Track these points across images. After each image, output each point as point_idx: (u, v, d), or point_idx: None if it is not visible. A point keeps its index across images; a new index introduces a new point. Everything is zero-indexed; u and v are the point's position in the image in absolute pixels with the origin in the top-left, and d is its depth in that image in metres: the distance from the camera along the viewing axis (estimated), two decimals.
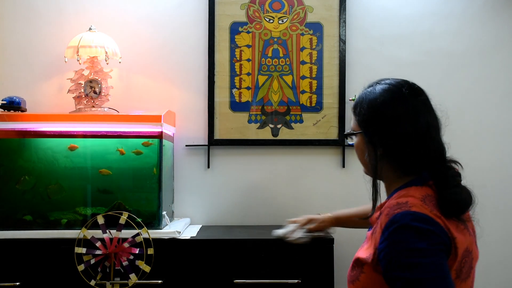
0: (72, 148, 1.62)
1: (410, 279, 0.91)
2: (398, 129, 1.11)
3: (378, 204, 1.12)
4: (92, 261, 1.46)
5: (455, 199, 1.04)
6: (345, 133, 1.31)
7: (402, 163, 1.12)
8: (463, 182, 1.15)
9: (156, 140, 1.62)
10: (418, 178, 1.11)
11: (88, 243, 1.47)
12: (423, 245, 0.92)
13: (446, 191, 1.05)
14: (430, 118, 1.18)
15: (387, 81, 1.19)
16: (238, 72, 1.90)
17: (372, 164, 1.13)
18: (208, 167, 1.90)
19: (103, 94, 1.74)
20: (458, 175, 1.13)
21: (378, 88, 1.16)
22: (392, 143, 1.11)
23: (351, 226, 1.59)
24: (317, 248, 1.49)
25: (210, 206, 1.91)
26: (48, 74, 1.89)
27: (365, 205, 1.47)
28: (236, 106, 1.89)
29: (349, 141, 1.25)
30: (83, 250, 1.46)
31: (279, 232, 1.53)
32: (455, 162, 1.18)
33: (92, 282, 1.46)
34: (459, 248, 0.97)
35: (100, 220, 1.47)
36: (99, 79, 1.74)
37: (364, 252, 1.05)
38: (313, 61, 1.90)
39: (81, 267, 1.45)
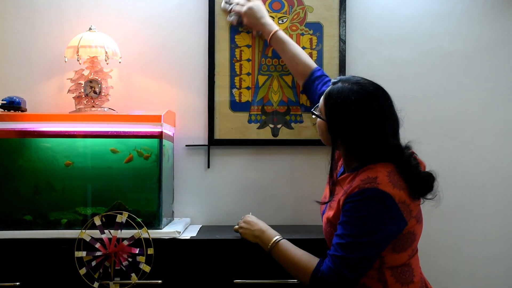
0: (67, 165, 1.62)
1: (352, 232, 1.20)
2: (360, 130, 1.26)
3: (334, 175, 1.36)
4: (93, 263, 1.46)
5: (422, 183, 1.25)
6: (312, 110, 1.43)
7: (361, 156, 1.31)
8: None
9: (155, 141, 1.62)
10: (377, 157, 1.27)
11: (88, 245, 1.47)
12: (376, 215, 1.19)
13: (412, 179, 1.24)
14: (391, 121, 1.31)
15: (361, 83, 1.30)
16: (238, 72, 1.90)
17: (329, 144, 1.35)
18: (208, 167, 1.90)
19: (103, 94, 1.74)
20: (417, 164, 1.30)
21: (353, 88, 1.27)
22: (352, 142, 1.29)
23: (282, 54, 1.78)
24: (316, 248, 1.49)
25: (210, 206, 1.91)
26: (48, 74, 1.89)
27: (302, 53, 1.78)
28: (236, 106, 1.89)
29: (313, 116, 1.44)
30: (83, 254, 1.46)
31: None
32: (412, 152, 1.34)
33: (96, 284, 1.45)
34: (413, 210, 1.24)
35: (97, 221, 1.47)
36: (99, 79, 1.74)
37: (331, 213, 1.32)
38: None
39: (82, 271, 1.45)
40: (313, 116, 1.43)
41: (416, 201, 1.26)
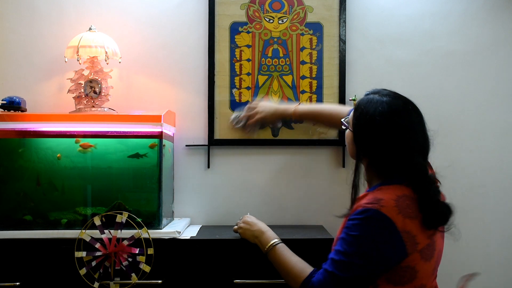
0: (84, 146, 1.62)
1: (342, 250, 1.15)
2: (384, 143, 1.20)
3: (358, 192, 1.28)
4: (93, 263, 1.46)
5: (437, 212, 1.16)
6: (342, 120, 1.38)
7: (382, 173, 1.24)
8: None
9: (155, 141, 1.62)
10: (395, 178, 1.20)
11: (88, 246, 1.47)
12: (373, 238, 1.13)
13: (428, 206, 1.15)
14: (419, 139, 1.23)
15: (392, 96, 1.25)
16: (238, 72, 1.90)
17: (354, 158, 1.28)
18: (208, 167, 1.90)
19: (103, 94, 1.74)
20: (438, 191, 1.21)
21: (382, 100, 1.22)
22: (375, 155, 1.23)
23: (317, 120, 1.77)
24: (316, 248, 1.49)
25: (210, 206, 1.91)
26: (48, 74, 1.89)
27: (336, 106, 1.76)
28: (236, 106, 1.89)
29: (343, 127, 1.38)
30: (83, 254, 1.46)
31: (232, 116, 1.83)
32: (436, 179, 1.26)
33: (96, 285, 1.45)
34: (420, 243, 1.14)
35: (97, 221, 1.47)
36: (99, 79, 1.74)
37: (340, 228, 1.25)
38: (313, 61, 1.90)
39: (82, 271, 1.45)
40: (343, 127, 1.37)
41: (426, 232, 1.15)
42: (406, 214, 1.13)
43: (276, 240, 1.40)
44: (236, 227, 1.55)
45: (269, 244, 1.39)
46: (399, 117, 1.20)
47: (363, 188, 1.30)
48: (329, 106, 1.77)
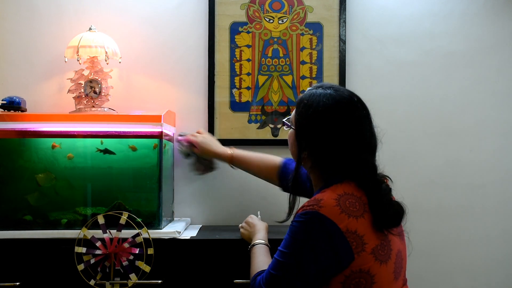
0: (53, 147, 1.61)
1: (283, 260, 1.07)
2: (328, 140, 1.12)
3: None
4: (92, 261, 1.46)
5: (389, 214, 1.08)
6: (284, 119, 1.30)
7: (326, 172, 1.15)
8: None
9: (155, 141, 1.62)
10: (338, 176, 1.12)
11: (88, 243, 1.47)
12: (310, 242, 1.05)
13: (379, 206, 1.08)
14: (366, 133, 1.15)
15: (335, 88, 1.18)
16: (238, 72, 1.90)
17: (296, 159, 1.21)
18: None
19: (103, 94, 1.74)
20: (389, 190, 1.13)
21: (326, 92, 1.15)
22: (319, 152, 1.14)
23: (248, 170, 1.70)
24: None
25: (210, 206, 1.91)
26: (48, 74, 1.89)
27: (269, 155, 1.68)
28: (236, 106, 1.89)
29: (285, 127, 1.30)
30: (83, 250, 1.46)
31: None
32: (387, 176, 1.18)
33: (92, 282, 1.45)
34: (368, 243, 1.04)
35: (101, 220, 1.47)
36: (99, 79, 1.74)
37: None
38: (313, 61, 1.90)
39: (80, 267, 1.45)
40: (285, 127, 1.29)
41: (377, 233, 1.06)
42: (350, 212, 1.04)
43: (259, 241, 1.35)
44: (240, 225, 1.56)
45: (251, 244, 1.37)
46: (344, 109, 1.12)
47: None
48: (261, 155, 1.68)
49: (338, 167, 1.12)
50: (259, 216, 1.62)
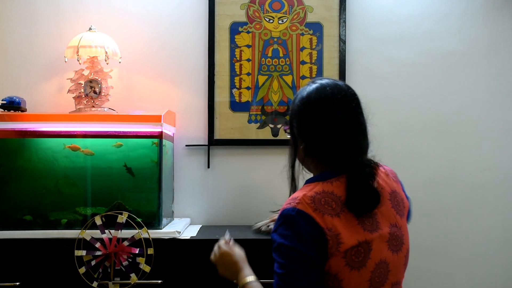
0: (73, 149, 1.62)
1: (277, 268, 1.05)
2: (318, 126, 1.11)
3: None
4: (93, 262, 1.46)
5: (363, 195, 1.06)
6: (286, 128, 1.30)
7: (319, 158, 1.13)
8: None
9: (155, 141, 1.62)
10: (326, 173, 1.11)
11: (88, 245, 1.47)
12: (297, 239, 1.02)
13: (355, 187, 1.06)
14: (353, 119, 1.12)
15: (319, 81, 1.17)
16: (238, 72, 1.90)
17: (290, 155, 1.19)
18: (208, 167, 1.90)
19: (103, 94, 1.74)
20: (372, 175, 1.09)
21: (311, 86, 1.16)
22: (310, 138, 1.13)
23: None
24: None
25: (210, 206, 1.91)
26: (48, 74, 1.89)
27: None
28: (236, 106, 1.89)
29: (287, 135, 1.26)
30: (83, 253, 1.46)
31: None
32: (376, 164, 1.13)
33: (95, 284, 1.45)
34: (344, 243, 1.01)
35: (98, 221, 1.47)
36: (99, 79, 1.74)
37: None
38: (313, 61, 1.90)
39: (82, 270, 1.45)
40: (288, 136, 1.25)
41: (355, 234, 1.03)
42: (325, 210, 1.02)
43: (249, 279, 1.23)
44: (212, 256, 1.30)
45: (241, 286, 1.22)
46: (329, 100, 1.11)
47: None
48: None
49: (327, 158, 1.12)
50: (227, 237, 1.32)
